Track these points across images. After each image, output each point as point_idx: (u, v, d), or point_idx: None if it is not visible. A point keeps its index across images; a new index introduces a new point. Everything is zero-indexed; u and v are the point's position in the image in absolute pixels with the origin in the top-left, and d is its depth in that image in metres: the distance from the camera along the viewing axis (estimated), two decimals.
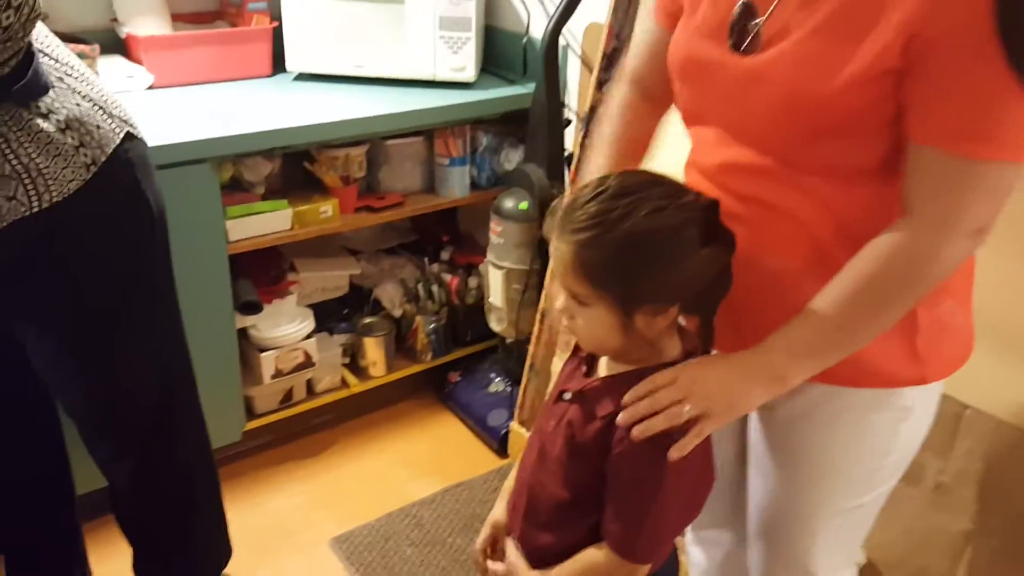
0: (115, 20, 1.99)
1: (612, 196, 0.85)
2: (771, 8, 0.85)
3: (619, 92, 1.10)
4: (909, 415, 0.99)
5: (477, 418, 2.24)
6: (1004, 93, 0.74)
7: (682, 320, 0.94)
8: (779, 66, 0.84)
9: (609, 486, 0.89)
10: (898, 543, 1.32)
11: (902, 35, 0.76)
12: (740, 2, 0.87)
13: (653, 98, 1.07)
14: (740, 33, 0.87)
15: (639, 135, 1.07)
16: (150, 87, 1.94)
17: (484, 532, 1.10)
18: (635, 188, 0.86)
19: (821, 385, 0.96)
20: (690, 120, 0.99)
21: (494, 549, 1.08)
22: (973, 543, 1.28)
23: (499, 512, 1.08)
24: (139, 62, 1.95)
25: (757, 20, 0.85)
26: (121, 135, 1.26)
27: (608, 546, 0.89)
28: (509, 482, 1.08)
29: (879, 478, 1.04)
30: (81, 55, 1.83)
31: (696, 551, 1.33)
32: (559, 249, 0.87)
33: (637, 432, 0.85)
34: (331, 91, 2.06)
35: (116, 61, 1.95)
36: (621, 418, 0.86)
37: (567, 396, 0.94)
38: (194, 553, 1.59)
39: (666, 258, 0.84)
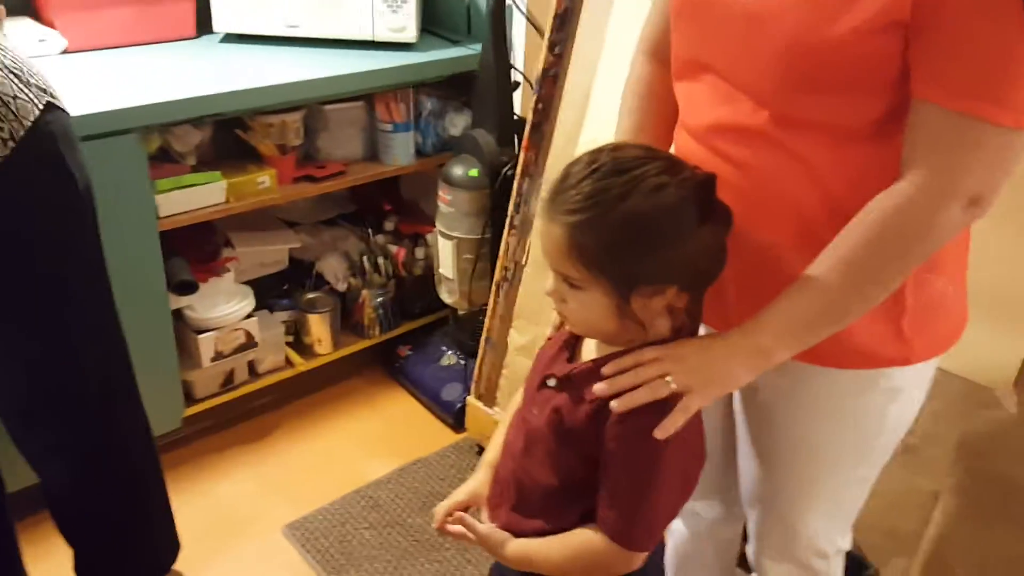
0: None
1: (608, 173, 0.80)
2: None
3: (638, 66, 1.04)
4: (898, 395, 0.97)
5: (431, 393, 2.17)
6: (1019, 52, 0.71)
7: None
8: (781, 7, 0.79)
9: (602, 472, 0.85)
10: (869, 506, 1.32)
11: None
12: None
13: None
14: None
15: (666, 108, 1.00)
16: (64, 51, 1.79)
17: (456, 497, 1.02)
18: (631, 164, 0.80)
19: (804, 364, 0.93)
20: (684, 71, 0.94)
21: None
22: (942, 502, 1.29)
23: (478, 481, 1.02)
24: (51, 25, 1.79)
25: None
26: (41, 105, 1.14)
27: (604, 535, 0.85)
28: (490, 454, 1.02)
29: (871, 459, 1.03)
30: None
31: (676, 521, 1.31)
32: (550, 231, 0.81)
33: (618, 405, 0.81)
34: (262, 53, 1.93)
35: (25, 24, 1.78)
36: (598, 387, 0.82)
37: (551, 383, 0.89)
38: (141, 549, 1.50)
39: (666, 239, 0.80)
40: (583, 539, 0.87)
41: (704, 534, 1.29)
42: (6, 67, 1.09)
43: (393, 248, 2.28)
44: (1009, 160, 0.76)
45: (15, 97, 1.08)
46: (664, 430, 0.81)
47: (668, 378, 0.81)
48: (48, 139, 1.14)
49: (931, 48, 0.74)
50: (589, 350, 0.91)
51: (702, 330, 0.98)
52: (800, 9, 0.78)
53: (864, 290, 0.82)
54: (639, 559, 0.86)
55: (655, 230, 0.79)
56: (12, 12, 1.76)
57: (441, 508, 1.00)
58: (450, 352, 2.25)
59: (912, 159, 0.78)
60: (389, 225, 2.34)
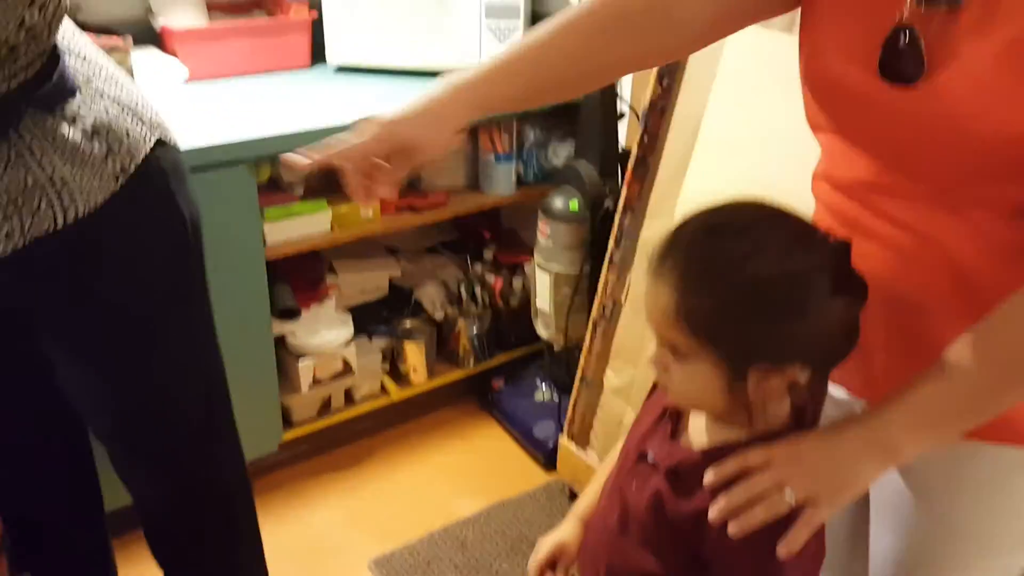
0: (150, 11, 1.89)
1: (728, 234, 0.73)
2: (932, 26, 0.69)
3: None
4: None
5: (523, 429, 2.13)
6: None
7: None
8: (950, 99, 0.69)
9: None
10: None
11: None
12: (894, 25, 0.71)
13: (648, 22, 0.85)
14: (894, 59, 0.71)
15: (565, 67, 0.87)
16: (185, 81, 1.85)
17: (544, 549, 0.96)
18: (755, 223, 0.73)
19: (968, 442, 0.82)
20: (822, 130, 0.85)
21: (552, 570, 0.96)
22: None
23: (567, 533, 0.96)
24: (174, 55, 1.86)
25: (915, 42, 0.70)
26: (152, 141, 1.16)
27: None
28: (582, 506, 0.96)
29: None
30: (113, 48, 1.75)
31: None
32: (657, 292, 0.74)
33: (734, 530, 0.72)
34: (373, 84, 1.95)
35: (150, 54, 1.86)
36: (713, 514, 0.73)
37: (650, 459, 0.82)
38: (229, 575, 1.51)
39: (792, 311, 0.71)
40: None
41: None
42: (123, 103, 1.12)
43: (491, 278, 2.26)
44: None
45: (128, 133, 1.10)
46: (788, 548, 0.72)
47: (787, 490, 0.72)
48: (158, 175, 1.16)
49: None
50: (697, 427, 0.83)
51: (841, 393, 0.89)
52: (977, 102, 0.68)
53: (1020, 386, 0.72)
54: None
55: (780, 299, 0.71)
56: (139, 41, 1.84)
57: (533, 567, 0.95)
58: (545, 387, 2.20)
59: None
60: (488, 254, 2.32)
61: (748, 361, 0.73)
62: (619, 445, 0.93)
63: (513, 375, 2.28)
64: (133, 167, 1.11)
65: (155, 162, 1.15)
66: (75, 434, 1.40)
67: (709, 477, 0.75)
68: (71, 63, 1.06)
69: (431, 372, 2.19)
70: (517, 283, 2.28)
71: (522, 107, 0.95)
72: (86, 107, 1.06)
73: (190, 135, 1.62)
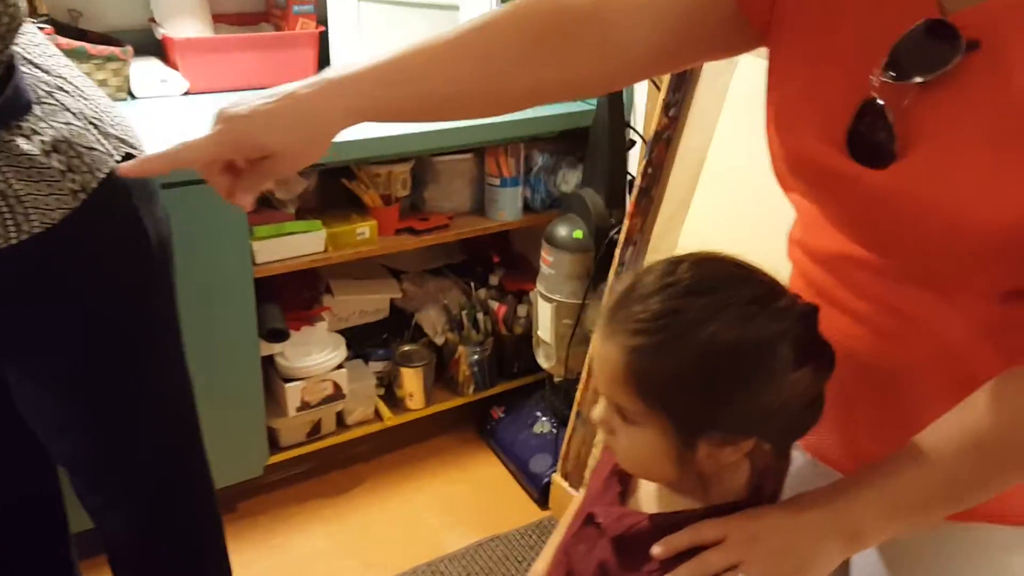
0: (153, 20, 1.87)
1: (686, 291, 0.65)
2: (904, 105, 0.61)
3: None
4: None
5: (519, 462, 2.06)
6: None
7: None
8: (927, 182, 0.61)
9: None
10: None
11: None
12: (862, 101, 0.63)
13: (574, 44, 0.73)
14: (863, 138, 0.64)
15: (482, 86, 0.75)
16: (185, 93, 1.83)
17: None
18: (717, 283, 0.66)
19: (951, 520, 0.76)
20: (794, 192, 0.77)
21: None
22: None
23: None
24: (175, 66, 1.83)
25: (884, 120, 0.62)
26: (118, 157, 1.12)
27: None
28: (539, 567, 0.89)
29: None
30: (111, 57, 1.73)
31: None
32: (606, 350, 0.67)
33: None
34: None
35: (150, 64, 1.84)
36: None
37: (599, 521, 0.75)
38: None
39: (750, 380, 0.64)
40: None
41: None
42: (87, 116, 1.08)
43: (494, 304, 2.19)
44: None
45: (91, 148, 1.06)
46: None
47: (739, 573, 0.65)
48: (121, 193, 1.12)
49: None
50: (648, 490, 0.77)
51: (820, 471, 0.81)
52: (955, 185, 0.60)
53: (998, 479, 0.65)
54: None
55: (736, 369, 0.64)
56: (140, 52, 1.82)
57: None
58: (544, 419, 2.13)
59: None
60: (494, 280, 2.26)
61: (699, 431, 0.66)
62: (573, 506, 0.86)
63: (513, 405, 2.20)
64: (95, 183, 1.07)
65: (119, 180, 1.11)
66: (38, 456, 1.36)
67: (657, 550, 0.68)
68: (30, 76, 1.02)
69: (429, 398, 2.13)
70: (522, 310, 2.21)
71: (415, 119, 0.79)
72: (45, 121, 1.02)
73: None
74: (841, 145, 0.65)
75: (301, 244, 1.75)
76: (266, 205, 1.74)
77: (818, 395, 0.68)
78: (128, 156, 1.14)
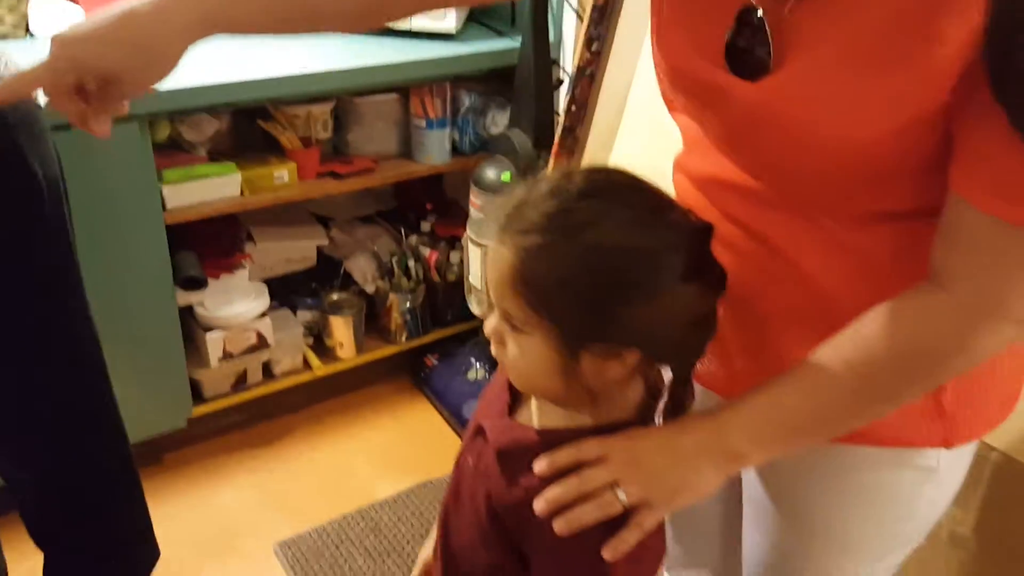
0: None
1: (577, 195, 0.64)
2: (785, 11, 0.60)
3: None
4: (932, 476, 0.79)
5: (452, 408, 2.04)
6: None
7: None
8: (795, 98, 0.61)
9: None
10: None
11: (960, 60, 0.54)
12: (738, 9, 0.62)
13: None
14: (742, 51, 0.63)
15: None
16: None
17: (416, 571, 0.92)
18: (608, 189, 0.65)
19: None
20: (677, 111, 0.77)
21: None
22: None
23: (431, 549, 0.90)
24: (76, 1, 1.73)
25: (761, 32, 0.61)
26: None
27: None
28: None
29: (896, 544, 0.86)
30: None
31: None
32: (498, 255, 0.65)
33: (561, 527, 0.65)
34: (291, 38, 1.83)
35: (49, 1, 1.73)
36: (539, 506, 0.65)
37: (487, 433, 0.74)
38: (111, 561, 1.42)
39: (634, 288, 0.63)
40: None
41: None
42: None
43: (426, 251, 2.15)
44: None
45: None
46: (614, 551, 0.65)
47: (620, 491, 0.65)
48: (3, 129, 1.06)
49: (976, 134, 0.56)
50: (536, 404, 0.75)
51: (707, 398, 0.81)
52: (821, 104, 0.60)
53: (871, 406, 0.66)
54: None
55: (622, 274, 0.63)
56: None
57: None
58: (478, 364, 2.11)
59: (951, 267, 0.61)
60: (426, 226, 2.21)
61: (583, 340, 0.65)
62: None
63: (447, 352, 2.18)
64: None
65: (1, 117, 1.05)
66: None
67: (540, 465, 0.67)
68: None
69: (360, 347, 2.10)
70: (455, 257, 2.17)
71: (267, 31, 0.77)
72: None
73: None
74: (719, 57, 0.64)
75: (215, 188, 1.68)
76: (176, 147, 1.67)
77: (707, 315, 0.68)
78: None
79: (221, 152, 1.74)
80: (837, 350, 0.64)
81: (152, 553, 1.50)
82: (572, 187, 0.65)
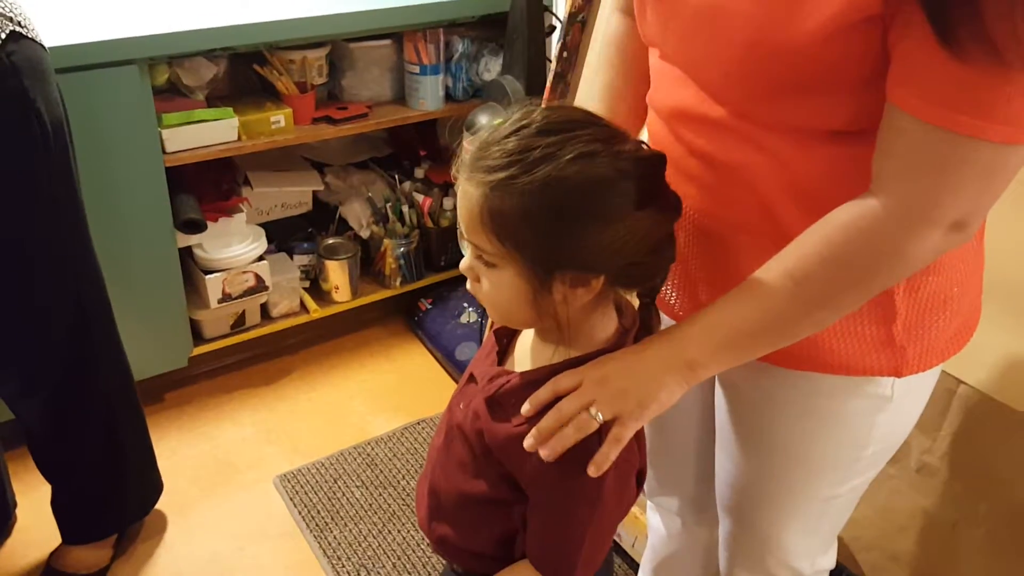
0: None
1: (536, 132, 0.68)
2: None
3: (610, 25, 0.92)
4: (887, 405, 0.84)
5: (445, 351, 2.10)
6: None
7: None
8: (737, 3, 0.66)
9: (531, 503, 0.76)
10: (873, 524, 1.19)
11: None
12: None
13: None
14: None
15: (640, 66, 0.88)
16: None
17: None
18: (564, 125, 0.69)
19: (783, 369, 0.82)
20: (652, 46, 0.82)
21: None
22: (955, 530, 1.15)
23: None
24: None
25: None
26: (3, 34, 1.08)
27: (537, 571, 0.77)
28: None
29: (856, 469, 0.91)
30: None
31: (655, 517, 1.21)
32: (467, 192, 0.70)
33: (546, 454, 0.70)
34: None
35: None
36: (528, 443, 0.71)
37: (477, 380, 0.79)
38: (118, 491, 1.49)
39: (593, 214, 0.68)
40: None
41: (683, 535, 1.18)
42: None
43: (420, 197, 2.19)
44: (1000, 179, 0.62)
45: None
46: (598, 467, 0.71)
47: (593, 410, 0.70)
48: (9, 72, 1.09)
49: (909, 44, 0.60)
50: (523, 351, 0.81)
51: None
52: (760, 5, 0.65)
53: (814, 313, 0.70)
54: None
55: (580, 203, 0.67)
56: None
57: None
58: (471, 308, 2.16)
59: (886, 173, 0.65)
60: (420, 172, 2.25)
61: (550, 268, 0.69)
62: None
63: (440, 297, 2.23)
64: None
65: (5, 58, 1.08)
66: None
67: (526, 408, 0.73)
68: None
69: (356, 291, 2.15)
70: (448, 203, 2.21)
71: None
72: None
73: (73, 30, 1.52)
74: None
75: (213, 132, 1.71)
76: (174, 92, 1.69)
77: (665, 239, 0.72)
78: (15, 34, 1.10)
79: (218, 97, 1.76)
80: (780, 260, 0.69)
81: (156, 485, 1.57)
82: (531, 126, 0.69)
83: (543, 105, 0.73)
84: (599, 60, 0.91)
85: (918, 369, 0.80)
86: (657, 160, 0.71)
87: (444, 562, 0.92)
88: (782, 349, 0.77)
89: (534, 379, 0.74)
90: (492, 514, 0.79)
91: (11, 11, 1.12)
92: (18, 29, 1.12)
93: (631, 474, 0.78)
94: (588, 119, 0.71)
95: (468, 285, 0.76)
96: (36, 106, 1.13)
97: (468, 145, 0.72)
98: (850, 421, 0.85)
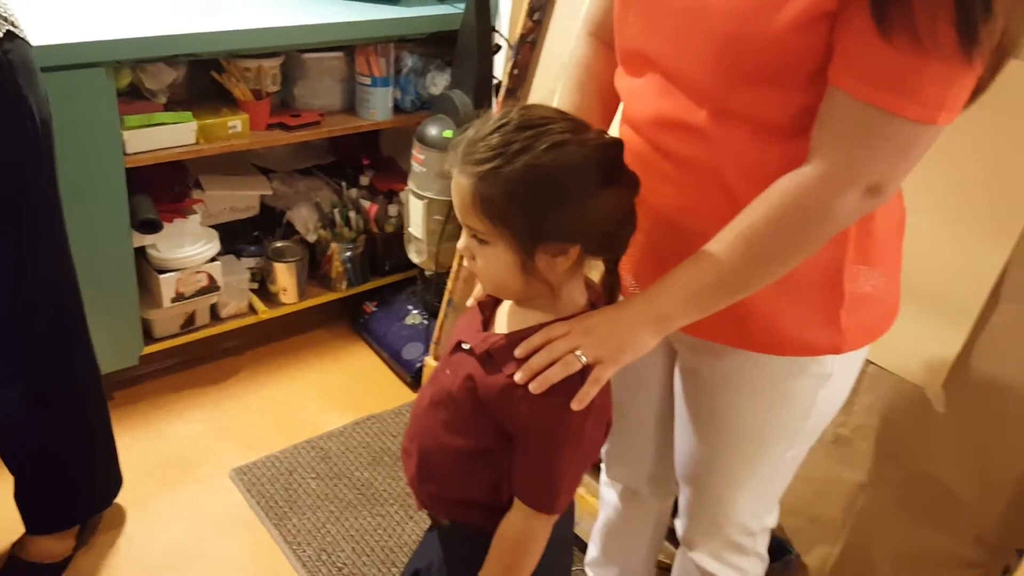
0: None
1: (515, 128, 0.81)
2: None
3: (580, 47, 1.04)
4: (827, 381, 0.99)
5: (392, 351, 2.19)
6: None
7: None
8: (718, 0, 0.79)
9: (519, 446, 0.87)
10: (795, 491, 1.33)
11: None
12: None
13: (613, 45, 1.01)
14: None
15: (606, 89, 1.00)
16: None
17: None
18: (537, 122, 0.82)
19: (742, 351, 0.95)
20: (629, 64, 0.94)
21: None
22: (865, 494, 1.31)
23: None
24: None
25: None
26: (0, 34, 1.13)
27: (524, 504, 0.88)
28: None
29: (799, 439, 1.06)
30: None
31: (609, 492, 1.33)
32: (459, 183, 0.83)
33: (535, 387, 0.83)
34: None
35: None
36: (519, 376, 0.83)
37: (465, 347, 0.91)
38: (82, 483, 1.52)
39: (566, 194, 0.81)
40: (504, 531, 0.90)
41: (637, 507, 1.31)
42: None
43: (366, 203, 2.27)
44: (912, 153, 0.77)
45: None
46: (580, 402, 0.83)
47: (578, 352, 0.83)
48: (6, 70, 1.13)
49: (849, 32, 0.74)
50: (503, 319, 0.93)
51: None
52: (738, 1, 0.78)
53: (760, 267, 0.83)
54: (554, 519, 0.89)
55: (554, 185, 0.80)
56: None
57: None
58: (415, 311, 2.25)
59: (819, 143, 0.79)
60: (364, 180, 2.33)
61: (534, 242, 0.82)
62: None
63: (385, 300, 2.32)
64: None
65: (3, 56, 1.12)
66: None
67: (519, 350, 0.85)
68: None
69: (302, 294, 2.21)
70: (393, 210, 2.30)
71: None
72: None
73: (44, 33, 1.55)
74: None
75: (172, 135, 1.76)
76: (136, 95, 1.73)
77: (629, 212, 0.86)
78: (9, 34, 1.15)
79: (177, 102, 1.81)
80: (734, 224, 0.83)
81: (118, 478, 1.60)
82: (510, 123, 0.82)
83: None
84: (570, 81, 1.03)
85: (855, 346, 0.95)
86: (617, 145, 0.85)
87: (429, 524, 1.02)
88: (744, 332, 0.92)
89: (522, 336, 0.86)
90: (481, 464, 0.90)
91: (5, 11, 1.17)
92: (12, 29, 1.17)
93: (604, 420, 0.90)
94: (558, 115, 0.84)
95: (464, 262, 0.87)
96: (29, 105, 1.18)
97: (455, 141, 0.85)
98: (796, 397, 0.99)
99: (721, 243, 0.83)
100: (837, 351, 0.95)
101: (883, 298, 0.96)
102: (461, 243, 0.87)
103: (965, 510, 1.20)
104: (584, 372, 0.83)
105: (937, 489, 1.24)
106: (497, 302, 0.95)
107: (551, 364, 0.83)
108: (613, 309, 0.88)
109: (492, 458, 0.89)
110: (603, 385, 0.85)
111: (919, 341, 1.19)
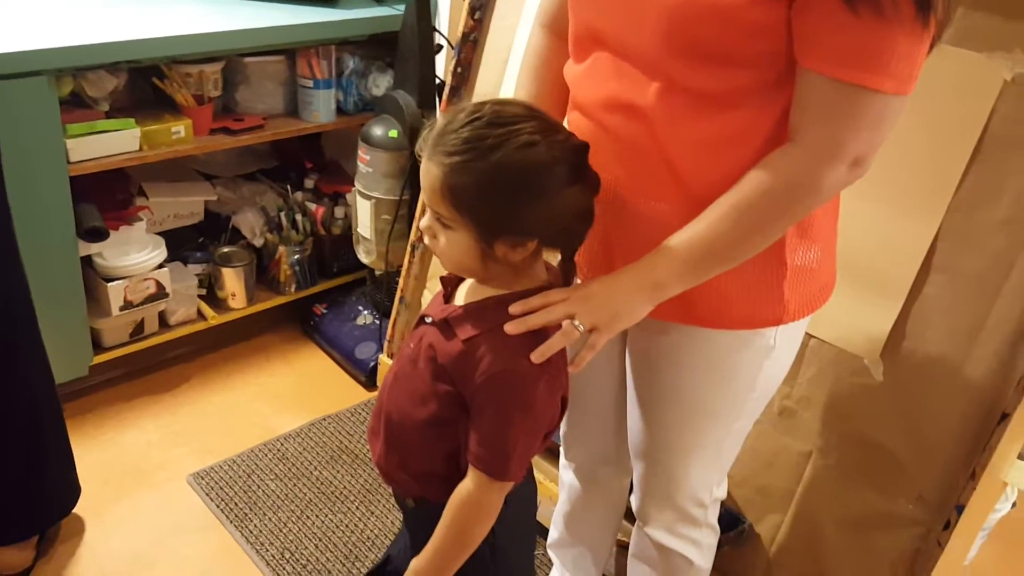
0: None
1: (487, 124, 0.85)
2: None
3: (534, 38, 1.08)
4: (771, 352, 1.04)
5: (344, 351, 2.20)
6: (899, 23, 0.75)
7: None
8: None
9: (474, 412, 0.90)
10: (744, 463, 1.41)
11: None
12: None
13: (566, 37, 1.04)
14: None
15: (561, 80, 1.03)
16: None
17: None
18: (510, 119, 0.85)
19: (686, 327, 1.00)
20: (579, 48, 0.97)
21: None
22: (812, 463, 1.39)
23: None
24: None
25: None
26: None
27: (478, 470, 0.91)
28: None
29: (746, 410, 1.11)
30: None
31: (568, 474, 1.37)
32: (428, 169, 0.86)
33: (536, 357, 0.87)
34: (184, 1, 1.91)
35: None
36: (511, 327, 0.87)
37: (428, 320, 0.95)
38: (39, 493, 1.50)
39: (532, 193, 0.85)
40: (457, 497, 0.93)
41: (596, 486, 1.35)
42: None
43: (312, 206, 2.28)
44: (888, 123, 0.83)
45: None
46: (541, 355, 0.87)
47: (576, 321, 0.87)
48: None
49: (816, 15, 0.78)
50: (463, 294, 0.97)
51: None
52: None
53: (751, 236, 0.88)
54: (509, 486, 0.92)
55: (521, 184, 0.84)
56: None
57: None
58: (366, 312, 2.27)
59: (802, 124, 0.84)
60: (309, 183, 2.34)
61: (495, 234, 0.86)
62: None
63: (335, 302, 2.33)
64: None
65: None
66: None
67: (514, 307, 0.89)
68: None
69: (251, 298, 2.21)
70: (339, 212, 2.31)
71: None
72: None
73: None
74: None
75: (116, 142, 1.75)
76: (78, 103, 1.72)
77: (588, 209, 0.90)
78: None
79: (118, 109, 1.80)
80: (726, 197, 0.87)
81: (76, 486, 1.59)
82: (483, 118, 0.85)
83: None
84: (526, 71, 1.07)
85: (796, 317, 1.01)
86: (583, 147, 0.89)
87: (399, 526, 1.05)
88: (691, 309, 0.97)
89: (475, 307, 0.91)
90: (440, 434, 0.94)
91: None
92: None
93: (558, 392, 0.94)
94: (530, 113, 0.88)
95: (426, 240, 0.92)
96: None
97: (427, 128, 0.88)
98: (742, 370, 1.05)
99: (714, 214, 0.88)
100: (779, 322, 1.01)
101: (821, 271, 1.03)
102: (424, 222, 0.91)
103: (906, 472, 1.28)
104: (546, 330, 0.88)
105: (879, 454, 1.31)
106: (460, 279, 0.99)
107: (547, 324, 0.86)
108: (611, 278, 0.92)
109: (451, 427, 0.93)
110: (599, 350, 0.89)
111: (857, 314, 1.27)
